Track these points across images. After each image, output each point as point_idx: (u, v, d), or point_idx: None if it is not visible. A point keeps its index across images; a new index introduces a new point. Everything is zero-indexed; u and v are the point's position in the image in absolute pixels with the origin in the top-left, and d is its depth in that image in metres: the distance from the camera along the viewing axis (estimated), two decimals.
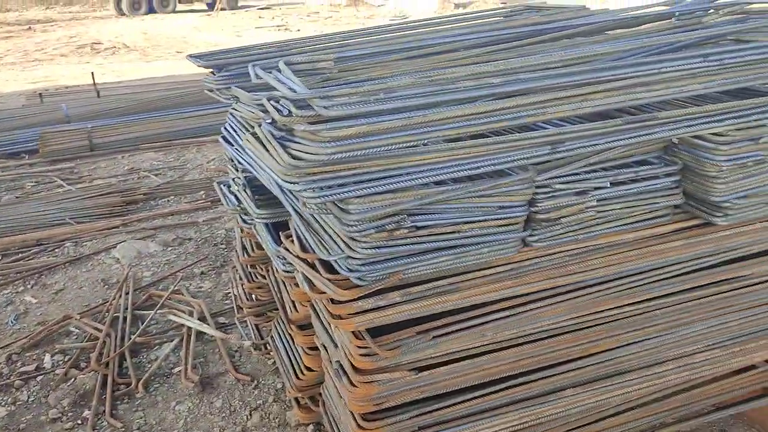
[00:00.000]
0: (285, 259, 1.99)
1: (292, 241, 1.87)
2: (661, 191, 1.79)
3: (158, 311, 3.17)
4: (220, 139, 2.62)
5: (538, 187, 1.64)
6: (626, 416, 1.97)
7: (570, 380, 1.86)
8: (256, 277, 2.61)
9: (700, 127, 1.68)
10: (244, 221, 2.44)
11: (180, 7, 22.98)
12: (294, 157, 1.38)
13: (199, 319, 3.07)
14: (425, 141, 1.41)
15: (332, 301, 1.63)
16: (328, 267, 1.64)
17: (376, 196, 1.42)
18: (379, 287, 1.56)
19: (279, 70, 1.62)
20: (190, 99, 6.99)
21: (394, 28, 2.52)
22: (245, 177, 2.31)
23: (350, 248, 1.51)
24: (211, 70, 2.35)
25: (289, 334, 2.35)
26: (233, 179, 2.39)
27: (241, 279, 2.76)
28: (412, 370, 1.68)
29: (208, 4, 22.95)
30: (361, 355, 1.63)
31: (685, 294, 1.93)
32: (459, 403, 1.75)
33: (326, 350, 1.92)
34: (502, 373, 1.79)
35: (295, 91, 1.37)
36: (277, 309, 2.58)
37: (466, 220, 1.58)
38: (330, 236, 1.61)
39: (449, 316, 1.70)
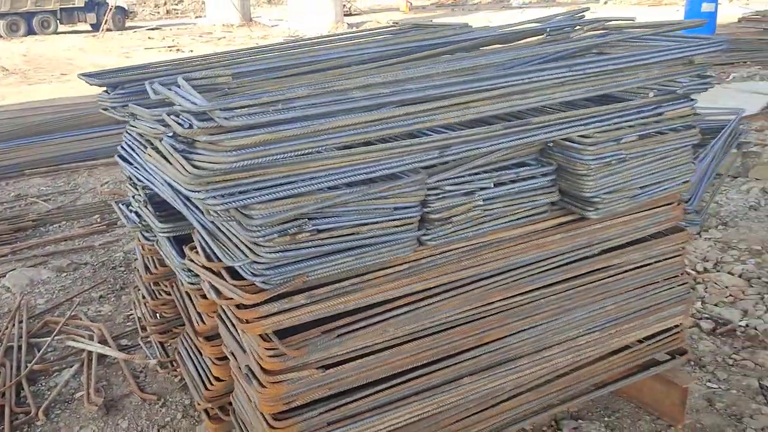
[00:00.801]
0: (190, 271, 2.03)
1: (197, 252, 1.91)
2: (539, 190, 1.97)
3: (56, 338, 3.08)
4: (117, 158, 2.61)
5: (429, 189, 1.77)
6: (519, 399, 2.12)
7: (467, 369, 1.99)
8: (160, 294, 2.61)
9: (570, 131, 1.87)
10: (146, 238, 2.44)
11: (62, 28, 22.02)
12: (197, 167, 1.44)
13: (99, 342, 3.01)
14: (323, 148, 1.51)
15: (239, 306, 1.68)
16: (234, 274, 1.70)
17: (278, 202, 1.50)
18: (284, 290, 1.64)
19: (178, 86, 1.68)
20: (79, 122, 6.76)
21: (287, 45, 2.61)
22: (146, 194, 2.32)
23: (254, 253, 1.57)
24: (105, 88, 2.35)
25: (197, 347, 2.37)
26: (133, 197, 2.39)
27: (144, 298, 2.74)
28: (319, 368, 1.76)
29: (92, 25, 22.10)
30: (269, 356, 1.69)
31: (567, 283, 2.11)
32: (365, 396, 1.84)
33: (235, 357, 1.96)
34: (405, 366, 1.90)
35: (196, 104, 1.44)
36: (183, 325, 2.60)
37: (364, 222, 1.68)
38: (234, 244, 1.67)
39: (353, 315, 1.80)
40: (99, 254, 4.11)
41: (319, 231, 1.63)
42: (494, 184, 1.88)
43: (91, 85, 2.31)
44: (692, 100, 2.06)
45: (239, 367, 1.95)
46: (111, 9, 21.78)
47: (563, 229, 2.07)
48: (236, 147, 1.41)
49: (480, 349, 2.00)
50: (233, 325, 1.90)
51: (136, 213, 2.41)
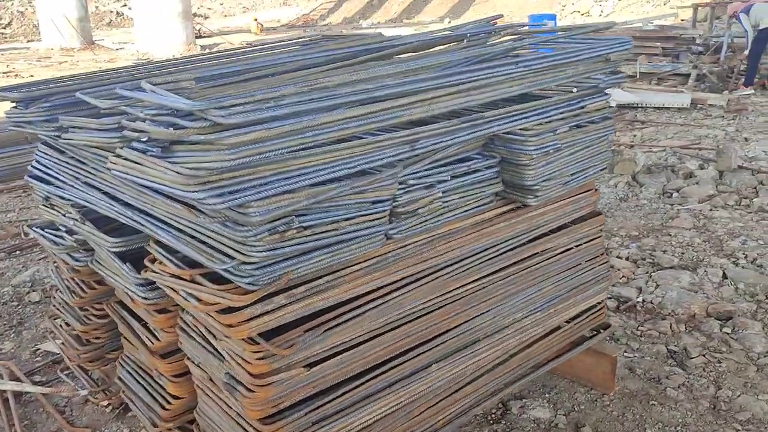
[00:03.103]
0: (147, 286, 1.96)
1: (160, 263, 1.85)
2: (486, 181, 2.10)
3: None
4: (29, 179, 2.46)
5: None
6: (478, 383, 2.23)
7: (433, 356, 2.07)
8: (89, 319, 2.46)
9: (517, 123, 2.02)
10: (76, 259, 2.31)
11: None
12: (193, 168, 1.42)
13: (11, 381, 2.77)
14: (314, 143, 1.54)
15: (223, 311, 1.66)
16: (211, 280, 1.68)
17: (273, 198, 1.51)
18: (272, 290, 1.64)
19: (143, 91, 1.64)
20: None
21: (215, 54, 2.60)
22: (78, 211, 2.20)
23: (243, 254, 1.56)
24: (15, 104, 2.22)
25: (143, 369, 2.27)
26: (64, 215, 2.25)
27: (68, 325, 2.57)
28: (304, 367, 1.77)
29: None
30: (257, 359, 1.68)
31: (512, 268, 2.26)
32: (346, 392, 1.87)
33: (203, 369, 1.91)
34: (380, 358, 1.94)
35: (186, 104, 1.41)
36: (117, 349, 2.47)
37: (344, 217, 1.72)
38: (213, 247, 1.65)
39: (330, 311, 1.82)
40: None
41: (305, 228, 1.65)
42: (450, 177, 1.99)
43: (9, 100, 2.16)
44: (607, 94, 2.29)
45: (210, 379, 1.90)
46: None
47: (506, 218, 2.22)
48: (234, 145, 1.40)
49: (444, 336, 2.09)
50: (202, 334, 1.86)
51: (68, 233, 2.27)
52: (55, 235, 2.42)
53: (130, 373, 2.34)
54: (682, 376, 2.67)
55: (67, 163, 2.25)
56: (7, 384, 2.71)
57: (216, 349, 1.83)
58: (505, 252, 2.24)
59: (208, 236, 1.65)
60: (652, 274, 3.61)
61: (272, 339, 1.72)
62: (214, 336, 1.82)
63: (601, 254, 2.58)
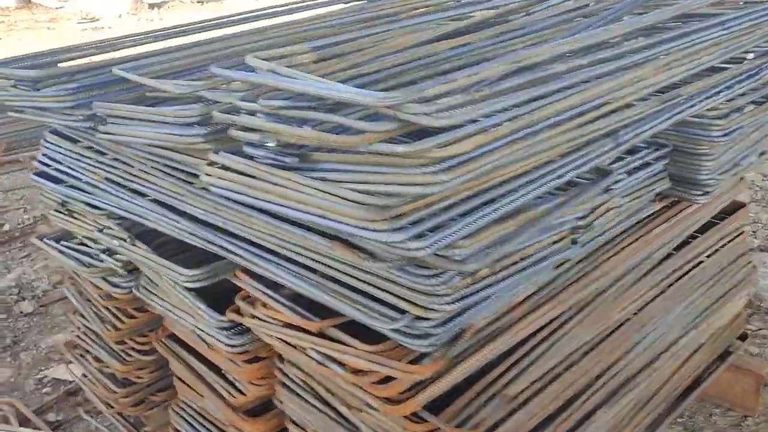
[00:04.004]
0: (232, 330, 1.47)
1: (263, 305, 1.36)
2: (654, 177, 1.65)
3: None
4: (36, 177, 1.94)
5: None
6: (636, 421, 1.82)
7: (599, 400, 1.64)
8: (130, 355, 1.94)
9: (705, 103, 1.56)
10: (114, 285, 1.79)
11: None
12: (385, 193, 0.92)
13: (21, 424, 2.24)
14: (528, 146, 1.05)
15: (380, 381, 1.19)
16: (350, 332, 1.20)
17: (487, 231, 1.03)
18: (457, 353, 1.17)
19: (253, 70, 1.12)
20: None
21: (246, 17, 2.08)
22: (122, 225, 1.67)
23: (422, 307, 1.08)
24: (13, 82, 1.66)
25: (209, 420, 1.78)
26: (101, 231, 1.71)
27: (96, 359, 2.05)
28: None
29: None
30: None
31: (667, 280, 1.84)
32: None
33: None
34: (546, 414, 1.50)
35: (364, 96, 0.91)
36: (164, 390, 1.98)
37: (535, 241, 1.25)
38: (362, 292, 1.16)
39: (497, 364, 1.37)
40: None
41: (495, 262, 1.17)
42: (626, 175, 1.54)
43: (24, 80, 1.60)
44: None
45: None
46: None
47: (662, 219, 1.78)
48: (450, 157, 0.91)
49: (607, 374, 1.66)
50: (320, 396, 1.38)
51: (107, 251, 1.74)
52: (77, 251, 1.89)
53: (191, 425, 1.84)
54: None
55: (91, 159, 1.72)
56: (14, 429, 2.18)
57: (345, 419, 1.36)
58: (662, 261, 1.80)
59: (354, 277, 1.16)
60: None
61: (437, 410, 1.26)
62: (340, 399, 1.35)
63: (745, 252, 2.16)
